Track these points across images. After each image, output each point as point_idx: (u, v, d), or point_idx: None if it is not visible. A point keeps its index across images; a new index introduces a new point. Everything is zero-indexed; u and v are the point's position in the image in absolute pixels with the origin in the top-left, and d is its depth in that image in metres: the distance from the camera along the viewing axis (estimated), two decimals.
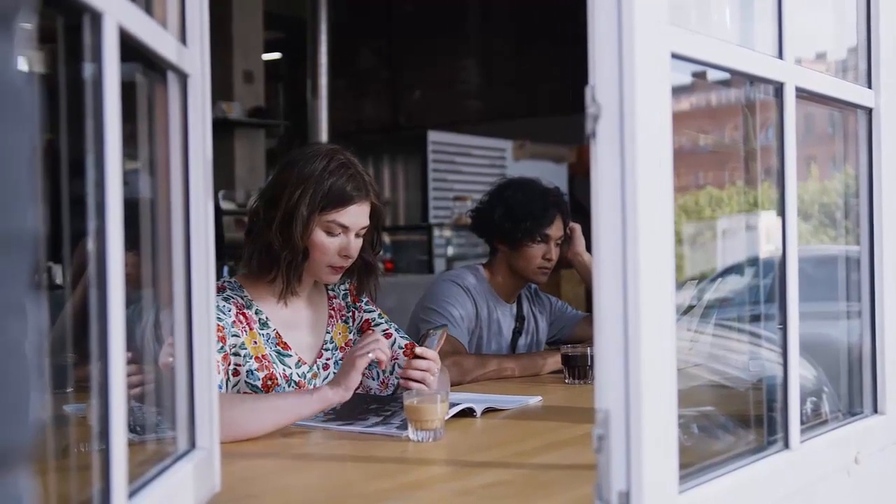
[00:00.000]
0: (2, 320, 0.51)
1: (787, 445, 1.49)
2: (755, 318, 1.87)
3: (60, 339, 1.81)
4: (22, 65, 0.54)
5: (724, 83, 1.67)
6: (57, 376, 1.39)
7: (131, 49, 1.09)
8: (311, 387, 2.21)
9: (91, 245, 0.99)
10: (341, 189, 2.14)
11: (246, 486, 1.55)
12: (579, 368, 2.62)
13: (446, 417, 1.89)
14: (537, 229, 2.93)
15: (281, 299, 2.22)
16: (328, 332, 2.32)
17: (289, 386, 2.17)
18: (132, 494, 1.07)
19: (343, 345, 2.33)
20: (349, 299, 2.38)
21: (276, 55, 10.19)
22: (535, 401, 2.32)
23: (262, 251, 2.17)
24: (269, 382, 2.14)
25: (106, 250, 0.98)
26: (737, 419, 1.67)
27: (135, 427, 1.30)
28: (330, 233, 2.16)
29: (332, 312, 2.35)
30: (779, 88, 1.50)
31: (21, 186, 0.52)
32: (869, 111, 1.78)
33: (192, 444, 1.35)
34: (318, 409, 1.96)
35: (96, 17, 0.98)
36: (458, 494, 1.49)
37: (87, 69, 0.99)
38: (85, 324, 1.01)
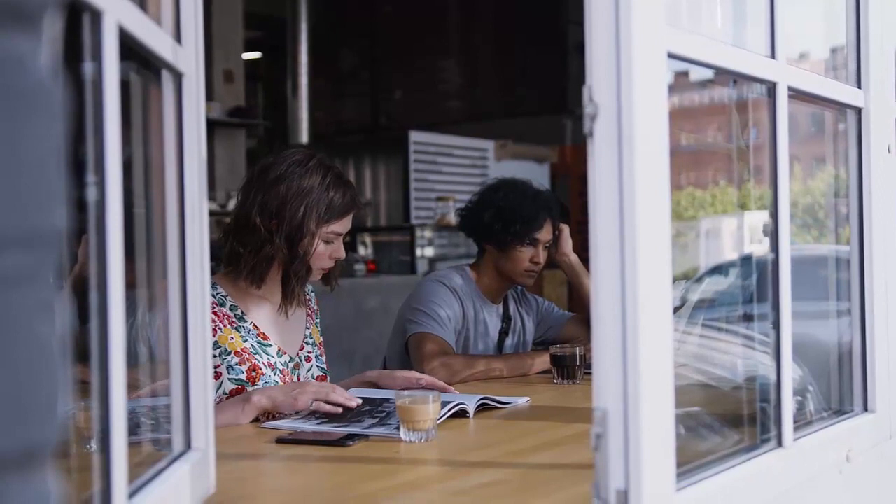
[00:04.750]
0: (30, 319, 0.50)
1: (780, 444, 1.50)
2: (742, 318, 1.88)
3: None
4: (49, 62, 0.53)
5: (707, 82, 1.67)
6: None
7: (126, 47, 1.08)
8: (294, 377, 2.29)
9: (91, 245, 0.98)
10: (342, 202, 2.24)
11: (240, 487, 1.54)
12: (568, 368, 2.62)
13: (441, 419, 1.88)
14: (527, 233, 2.92)
15: (281, 309, 2.29)
16: (307, 329, 2.39)
17: (274, 374, 2.22)
18: (131, 495, 1.06)
19: (318, 343, 2.42)
20: (316, 307, 2.48)
21: (256, 54, 10.16)
22: (523, 401, 2.32)
23: (263, 263, 2.20)
24: (254, 374, 2.19)
25: (106, 250, 0.98)
26: (729, 418, 1.68)
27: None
28: (328, 241, 2.25)
29: (309, 311, 2.43)
30: (771, 88, 1.51)
31: (50, 185, 0.51)
32: (858, 111, 1.79)
33: (188, 445, 1.34)
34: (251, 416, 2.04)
35: (96, 16, 0.97)
36: (455, 494, 1.48)
37: (87, 68, 0.98)
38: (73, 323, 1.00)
